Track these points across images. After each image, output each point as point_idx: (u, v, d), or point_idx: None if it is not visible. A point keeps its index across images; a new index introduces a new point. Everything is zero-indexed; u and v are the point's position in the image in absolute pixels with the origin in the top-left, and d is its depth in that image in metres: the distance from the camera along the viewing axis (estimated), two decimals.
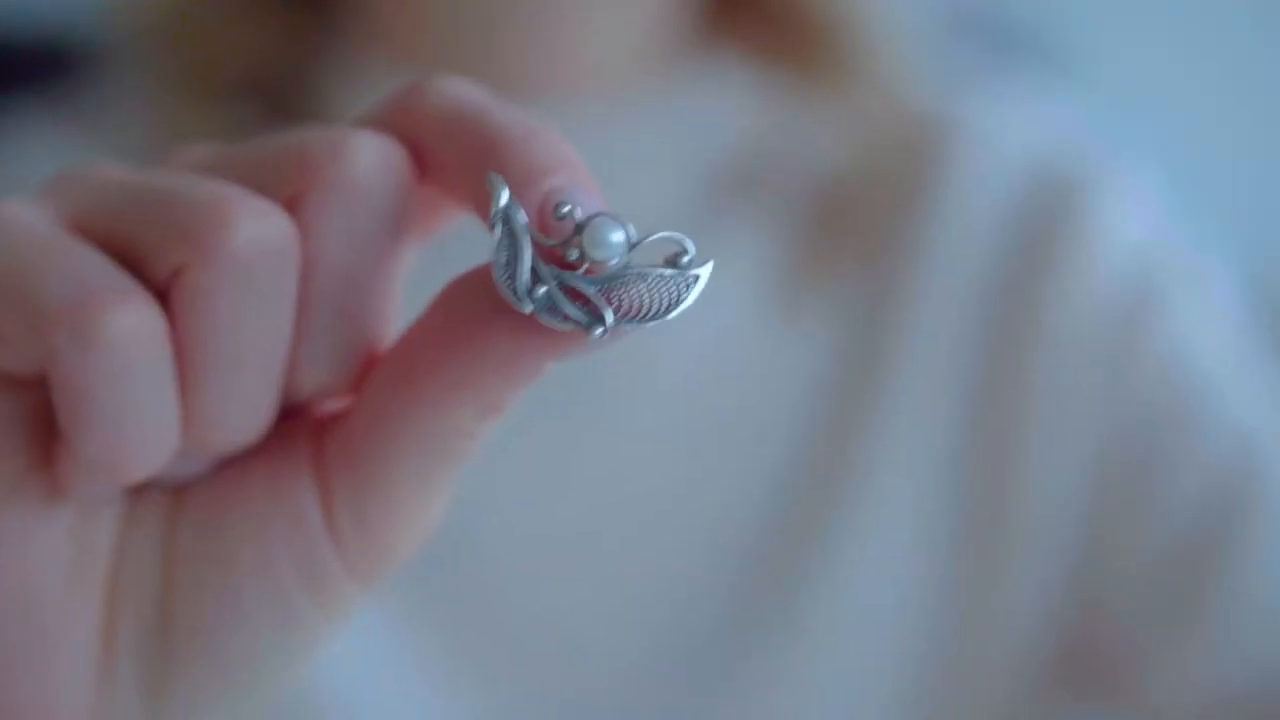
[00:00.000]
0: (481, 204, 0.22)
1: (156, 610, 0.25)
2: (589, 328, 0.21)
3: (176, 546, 0.25)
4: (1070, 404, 0.51)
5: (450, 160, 0.23)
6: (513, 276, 0.21)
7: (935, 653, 0.51)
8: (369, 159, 0.23)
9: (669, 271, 0.22)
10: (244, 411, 0.24)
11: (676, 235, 0.22)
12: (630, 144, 0.53)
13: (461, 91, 0.24)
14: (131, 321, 0.22)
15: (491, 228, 0.21)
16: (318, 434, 0.25)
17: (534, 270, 0.21)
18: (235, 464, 0.25)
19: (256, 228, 0.22)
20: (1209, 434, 0.50)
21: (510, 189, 0.21)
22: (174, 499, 0.25)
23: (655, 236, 0.22)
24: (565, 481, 0.51)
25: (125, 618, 0.25)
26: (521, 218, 0.21)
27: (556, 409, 0.50)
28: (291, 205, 0.23)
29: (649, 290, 0.22)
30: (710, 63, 0.55)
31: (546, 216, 0.21)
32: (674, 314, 0.22)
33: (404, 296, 0.25)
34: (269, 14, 0.55)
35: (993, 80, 0.60)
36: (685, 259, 0.22)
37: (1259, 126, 1.27)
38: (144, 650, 0.25)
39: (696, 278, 0.22)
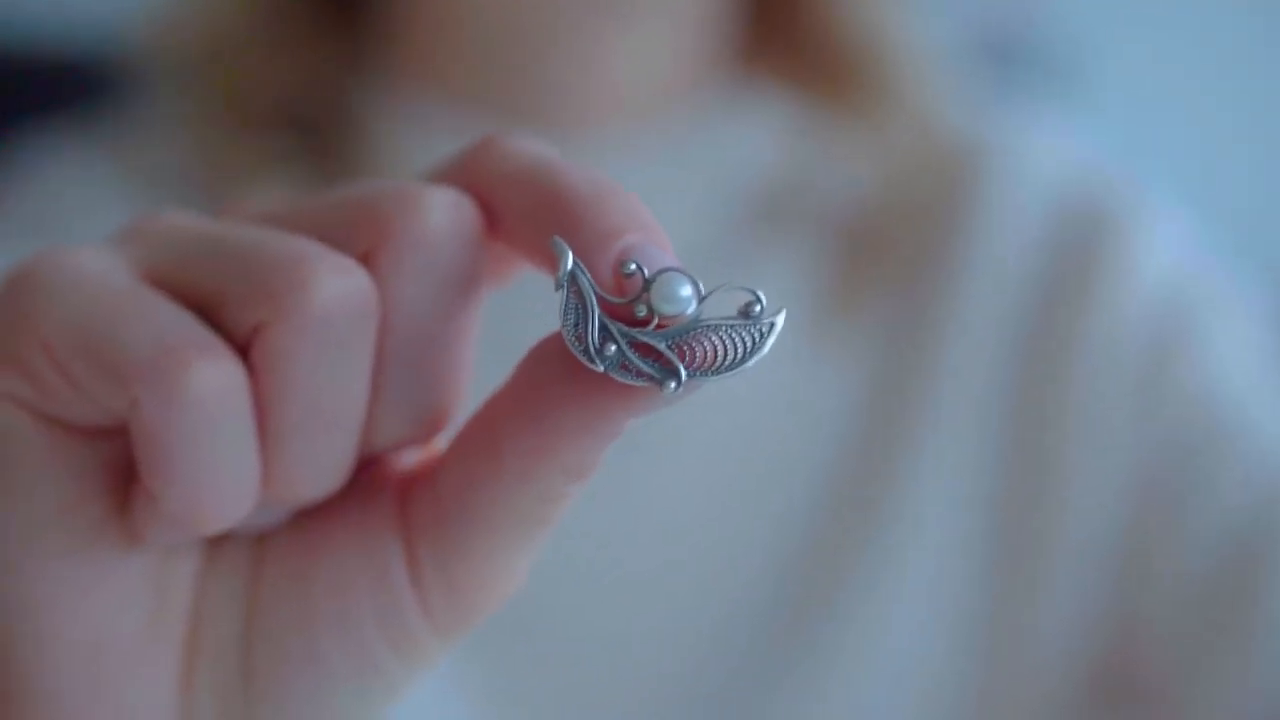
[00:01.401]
0: (550, 264, 0.22)
1: (236, 659, 0.25)
2: (663, 382, 0.21)
3: (258, 596, 0.25)
4: (1105, 430, 0.51)
5: (521, 218, 0.23)
6: (582, 337, 0.21)
7: (972, 674, 0.51)
8: (442, 214, 0.23)
9: (740, 321, 0.22)
10: (323, 466, 0.24)
11: (747, 286, 0.22)
12: (664, 171, 0.53)
13: (533, 149, 0.24)
14: (214, 377, 0.22)
15: (558, 290, 0.21)
16: (403, 492, 0.25)
17: (604, 329, 0.21)
18: (318, 515, 0.25)
19: (338, 286, 0.22)
20: (1242, 458, 0.50)
21: (582, 249, 0.22)
22: (255, 548, 0.25)
23: (725, 288, 0.22)
24: (602, 512, 0.51)
25: (204, 665, 0.25)
26: (587, 279, 0.21)
27: None
28: (365, 261, 0.23)
29: (722, 341, 0.22)
30: (744, 91, 0.55)
31: (616, 275, 0.21)
32: (751, 363, 0.22)
33: (479, 346, 0.25)
34: (306, 44, 0.55)
35: (1020, 106, 0.60)
36: (758, 308, 0.22)
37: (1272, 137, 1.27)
38: (223, 698, 0.25)
39: (771, 325, 0.22)
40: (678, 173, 0.53)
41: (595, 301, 0.21)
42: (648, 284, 0.21)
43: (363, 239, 0.23)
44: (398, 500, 0.25)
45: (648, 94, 0.54)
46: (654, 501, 0.51)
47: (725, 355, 0.22)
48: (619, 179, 0.55)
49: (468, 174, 0.24)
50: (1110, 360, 0.51)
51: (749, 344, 0.22)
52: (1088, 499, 0.51)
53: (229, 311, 0.23)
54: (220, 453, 0.22)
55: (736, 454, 0.52)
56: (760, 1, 0.56)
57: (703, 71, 0.55)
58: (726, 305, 0.22)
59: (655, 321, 0.22)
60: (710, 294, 0.22)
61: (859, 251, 0.54)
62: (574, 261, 0.21)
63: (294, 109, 0.54)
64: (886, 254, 0.54)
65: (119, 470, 0.24)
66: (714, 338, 0.22)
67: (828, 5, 0.55)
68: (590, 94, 0.53)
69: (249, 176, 0.52)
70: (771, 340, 0.22)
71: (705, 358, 0.22)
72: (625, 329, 0.21)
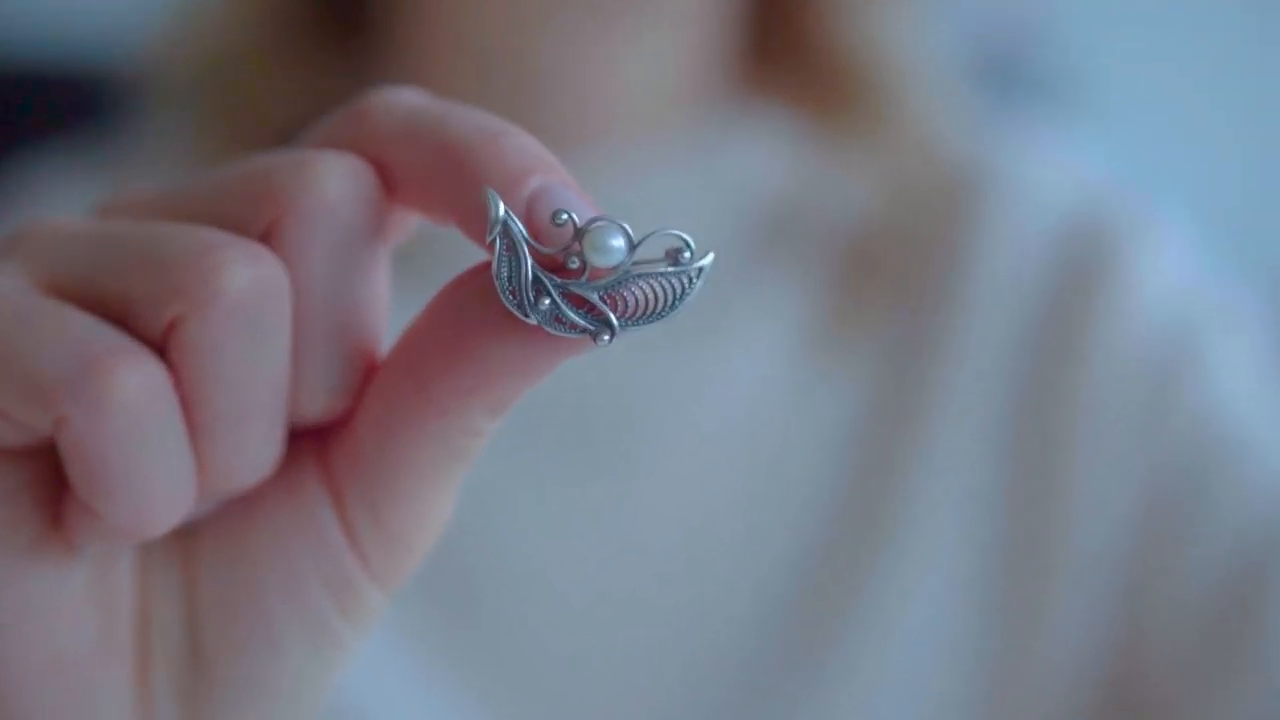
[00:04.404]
0: (460, 215, 0.22)
1: (188, 647, 0.25)
2: (596, 335, 0.21)
3: (198, 581, 0.25)
4: (1109, 451, 0.50)
5: (418, 176, 0.23)
6: (516, 291, 0.21)
7: (978, 695, 0.50)
8: (338, 181, 0.23)
9: (671, 269, 0.22)
10: (254, 452, 0.24)
11: (675, 231, 0.22)
12: (665, 190, 0.53)
13: (410, 101, 0.24)
14: (139, 381, 0.21)
15: (489, 243, 0.21)
16: (321, 445, 0.25)
17: (537, 281, 0.21)
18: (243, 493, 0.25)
19: (249, 272, 0.22)
20: (1247, 479, 0.49)
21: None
22: (187, 537, 0.25)
23: (653, 234, 0.22)
24: (602, 525, 0.51)
25: (158, 660, 0.25)
26: (519, 230, 0.21)
27: (594, 453, 0.50)
28: (267, 238, 0.23)
29: (652, 289, 0.22)
30: (746, 111, 0.55)
31: (540, 223, 0.21)
32: (679, 309, 0.22)
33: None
34: (309, 63, 0.55)
35: (1022, 125, 0.61)
36: (686, 254, 0.22)
37: (1267, 144, 1.28)
38: (181, 688, 0.25)
39: (700, 270, 0.22)
40: (680, 191, 0.53)
41: (528, 253, 0.21)
42: (579, 233, 0.21)
43: (261, 215, 0.23)
44: (318, 453, 0.25)
45: (650, 111, 0.54)
46: (653, 520, 0.51)
47: (655, 303, 0.22)
48: (620, 196, 0.54)
49: (354, 137, 0.24)
50: (1114, 381, 0.51)
51: (679, 290, 0.22)
52: (1092, 519, 0.50)
53: (140, 312, 0.22)
54: (155, 457, 0.22)
55: (737, 471, 0.51)
56: (763, 20, 0.56)
57: (705, 89, 0.55)
58: (654, 247, 0.22)
59: (587, 271, 0.21)
60: (641, 243, 0.22)
61: (861, 272, 0.53)
62: (505, 211, 0.21)
63: (298, 129, 0.54)
64: (888, 274, 0.53)
65: (46, 486, 0.24)
66: (644, 285, 0.22)
67: (831, 25, 0.55)
68: (593, 110, 0.53)
69: None
70: (700, 284, 0.22)
71: (636, 306, 0.22)
72: (558, 281, 0.21)
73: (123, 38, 0.65)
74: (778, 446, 0.52)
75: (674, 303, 0.22)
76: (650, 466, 0.51)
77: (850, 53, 0.55)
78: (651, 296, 0.22)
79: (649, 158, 0.54)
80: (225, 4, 0.56)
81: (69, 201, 0.56)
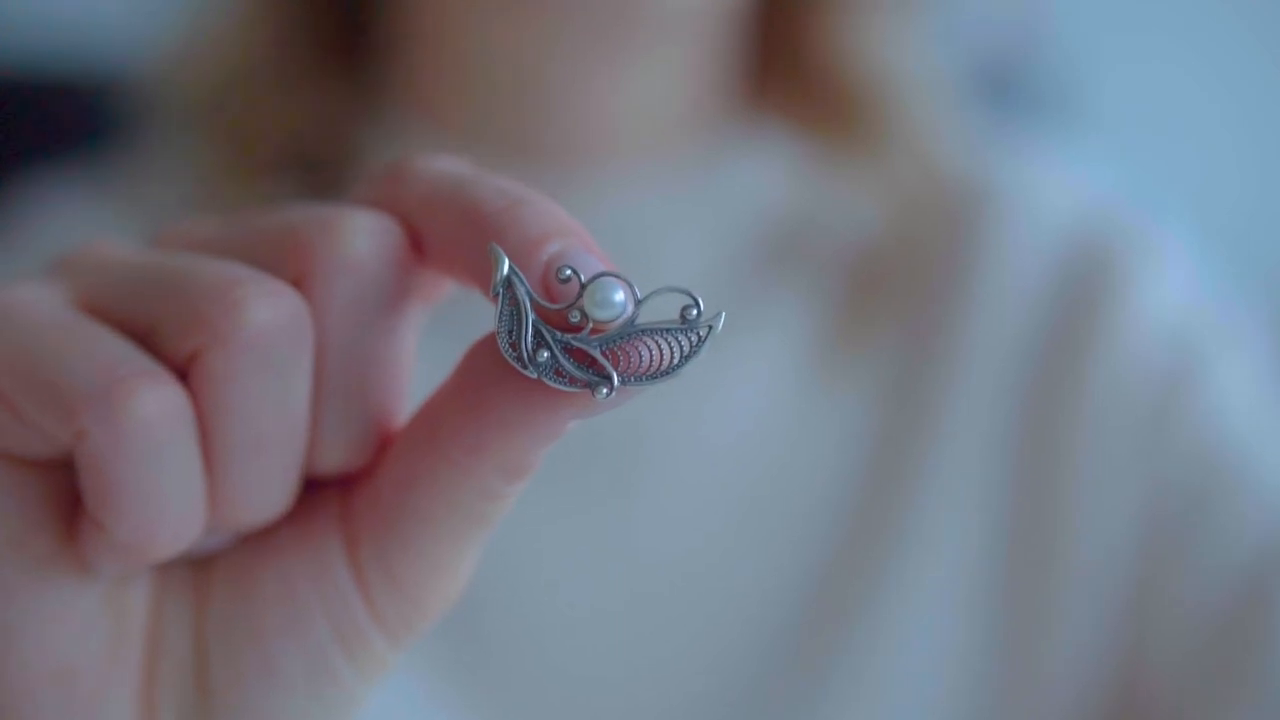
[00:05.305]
0: (480, 277, 0.22)
1: (194, 676, 0.25)
2: (594, 388, 0.22)
3: (209, 612, 0.25)
4: (1112, 467, 0.50)
5: (443, 238, 0.23)
6: (516, 344, 0.22)
7: (982, 707, 0.50)
8: (365, 239, 0.23)
9: (676, 326, 0.22)
10: (267, 488, 0.24)
11: (683, 288, 0.22)
12: (670, 211, 0.53)
13: (443, 167, 0.24)
14: (159, 402, 0.22)
15: (494, 297, 0.21)
16: (345, 492, 0.25)
17: (538, 335, 0.21)
18: (262, 529, 0.25)
19: (271, 309, 0.23)
20: (1248, 496, 0.49)
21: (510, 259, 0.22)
22: (203, 568, 0.26)
23: (660, 291, 0.22)
24: (607, 545, 0.51)
25: (164, 686, 0.25)
26: (524, 284, 0.21)
27: (599, 473, 0.51)
28: (294, 286, 0.23)
29: (657, 345, 0.22)
30: (750, 130, 0.55)
31: (549, 282, 0.22)
32: (686, 368, 0.22)
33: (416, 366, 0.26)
34: (313, 84, 0.55)
35: (1024, 140, 0.61)
36: (694, 313, 0.22)
37: (1267, 153, 1.28)
38: (184, 713, 0.25)
39: (709, 329, 0.22)
40: (685, 210, 0.53)
41: (530, 307, 0.21)
42: (583, 289, 0.22)
43: (288, 267, 0.24)
44: (339, 501, 0.25)
45: (653, 132, 0.54)
46: (660, 539, 0.51)
47: (660, 360, 0.22)
48: (625, 217, 0.54)
49: (387, 199, 0.24)
50: (1116, 398, 0.51)
51: (685, 349, 0.22)
52: (1095, 534, 0.50)
53: (165, 338, 0.23)
54: (167, 478, 0.23)
55: (744, 489, 0.52)
56: (766, 41, 0.56)
57: (708, 110, 0.55)
58: (671, 308, 0.22)
59: (589, 327, 0.22)
60: (647, 298, 0.22)
61: (865, 290, 0.53)
62: (510, 267, 0.21)
63: (302, 149, 0.55)
64: (893, 292, 0.53)
65: (63, 502, 0.24)
66: (649, 342, 0.22)
67: (833, 44, 0.55)
68: (597, 132, 0.53)
69: None
70: (707, 346, 0.22)
71: (640, 363, 0.22)
72: (559, 335, 0.22)
73: (129, 51, 0.65)
74: (783, 464, 0.52)
75: (680, 361, 0.22)
76: (657, 486, 0.51)
77: (852, 71, 0.55)
78: (656, 353, 0.22)
79: (653, 179, 0.54)
80: (231, 23, 0.56)
81: (73, 216, 0.56)
